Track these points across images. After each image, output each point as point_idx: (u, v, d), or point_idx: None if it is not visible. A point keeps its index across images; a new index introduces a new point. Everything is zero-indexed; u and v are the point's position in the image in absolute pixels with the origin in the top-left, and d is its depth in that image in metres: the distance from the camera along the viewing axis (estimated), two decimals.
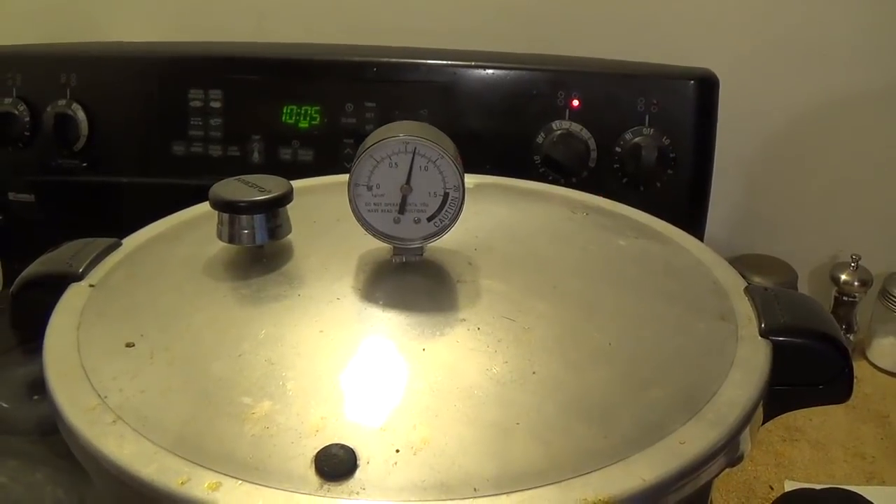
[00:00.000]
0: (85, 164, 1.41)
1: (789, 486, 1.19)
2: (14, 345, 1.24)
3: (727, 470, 0.63)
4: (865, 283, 1.48)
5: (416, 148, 0.74)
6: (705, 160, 1.34)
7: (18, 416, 1.13)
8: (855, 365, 1.39)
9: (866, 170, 1.55)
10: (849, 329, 1.51)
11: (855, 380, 1.36)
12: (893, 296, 1.45)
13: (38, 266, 0.82)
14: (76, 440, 0.60)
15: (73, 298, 0.77)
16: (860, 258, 1.48)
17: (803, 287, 1.60)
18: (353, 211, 0.76)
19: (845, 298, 1.50)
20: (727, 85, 1.34)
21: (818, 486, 1.15)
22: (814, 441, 1.29)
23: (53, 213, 1.46)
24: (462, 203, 0.76)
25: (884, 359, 1.49)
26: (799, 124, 1.54)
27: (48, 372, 0.67)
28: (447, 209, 0.76)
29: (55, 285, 0.78)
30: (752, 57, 1.50)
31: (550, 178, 1.32)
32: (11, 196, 1.46)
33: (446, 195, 0.75)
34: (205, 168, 1.39)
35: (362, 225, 0.77)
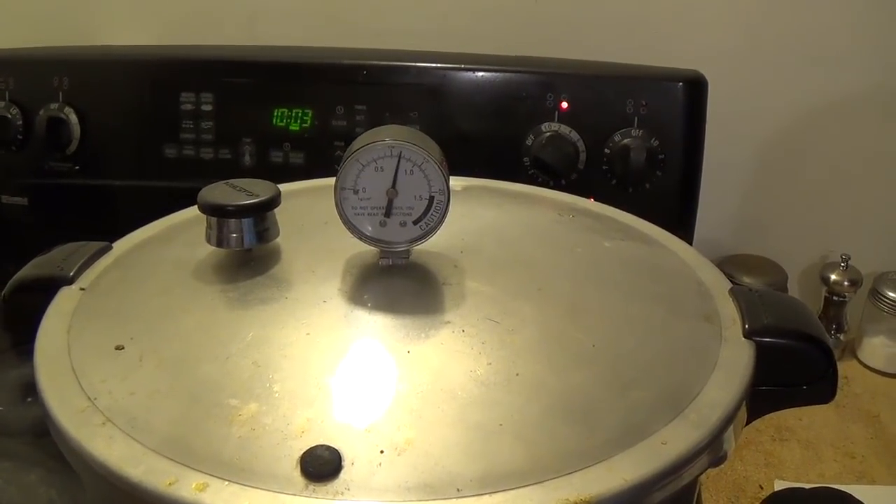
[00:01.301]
0: (77, 168, 1.42)
1: (779, 485, 1.20)
2: (8, 347, 1.24)
3: (711, 469, 0.63)
4: (855, 283, 1.49)
5: (401, 152, 0.74)
6: (694, 161, 1.35)
7: (12, 418, 1.14)
8: (845, 364, 1.41)
9: (856, 170, 1.55)
10: (839, 329, 1.52)
11: (845, 379, 1.37)
12: (883, 295, 1.46)
13: (29, 269, 0.82)
14: (66, 441, 0.61)
15: (63, 302, 0.77)
16: (850, 258, 1.49)
17: (793, 287, 1.61)
18: (340, 214, 0.77)
19: (835, 298, 1.51)
20: (716, 86, 1.34)
21: (808, 486, 1.16)
22: (804, 441, 1.30)
23: (46, 215, 1.46)
24: (447, 206, 0.76)
25: (874, 358, 1.49)
26: (788, 125, 1.54)
27: (39, 374, 0.67)
28: (433, 212, 0.76)
29: (46, 288, 0.79)
30: (741, 58, 1.51)
31: (540, 179, 1.32)
32: (4, 199, 1.46)
33: (432, 198, 0.76)
34: (196, 171, 1.39)
35: (349, 228, 0.77)
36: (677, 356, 0.70)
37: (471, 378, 0.65)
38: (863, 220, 1.58)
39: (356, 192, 0.76)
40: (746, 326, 0.73)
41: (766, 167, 1.58)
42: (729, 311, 0.76)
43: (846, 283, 1.48)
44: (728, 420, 0.63)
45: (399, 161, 0.75)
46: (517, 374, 0.65)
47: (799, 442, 1.29)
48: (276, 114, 1.37)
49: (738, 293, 0.79)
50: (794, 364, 0.72)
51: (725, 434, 0.63)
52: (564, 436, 0.60)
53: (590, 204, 1.00)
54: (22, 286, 0.80)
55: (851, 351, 1.53)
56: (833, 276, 1.49)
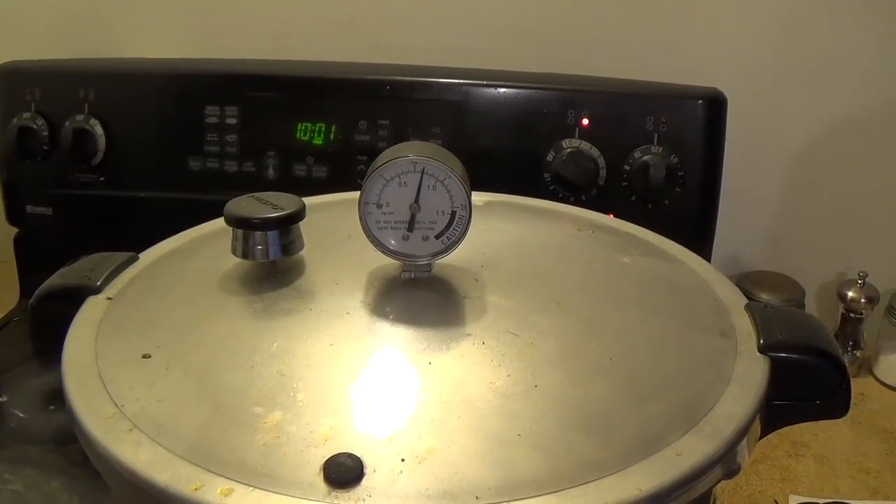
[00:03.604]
0: (102, 179, 1.43)
1: (794, 500, 1.19)
2: (31, 356, 1.25)
3: (726, 482, 0.64)
4: (872, 300, 1.49)
5: (424, 168, 0.75)
6: (713, 178, 1.35)
7: (35, 425, 1.15)
8: (861, 381, 1.42)
9: (873, 187, 1.55)
10: (856, 346, 1.52)
11: (861, 395, 1.38)
12: None
13: (56, 279, 0.83)
14: (94, 447, 0.62)
15: (91, 311, 0.78)
16: (867, 275, 1.49)
17: (811, 304, 1.61)
18: (364, 228, 0.78)
19: (852, 315, 1.51)
20: (736, 104, 1.35)
21: (822, 501, 1.16)
22: (819, 456, 1.30)
23: (71, 226, 1.48)
24: (469, 221, 0.77)
25: (890, 375, 1.49)
26: (807, 143, 1.54)
27: (67, 382, 0.68)
28: (454, 227, 0.77)
29: (74, 298, 0.80)
30: (760, 76, 1.51)
31: (560, 195, 1.33)
32: (30, 209, 1.48)
33: (454, 213, 0.77)
34: (220, 183, 1.40)
35: (372, 242, 0.78)
36: (693, 370, 0.71)
37: (490, 389, 0.66)
38: (880, 237, 1.58)
39: (380, 206, 0.77)
40: (761, 341, 0.73)
41: (784, 185, 1.58)
42: (744, 327, 0.77)
43: (863, 301, 1.48)
44: (742, 433, 0.64)
45: (422, 177, 0.75)
46: (536, 386, 0.66)
47: (814, 457, 1.29)
48: (299, 128, 1.38)
49: (754, 309, 0.79)
50: (807, 379, 0.72)
51: (739, 447, 0.63)
52: (581, 446, 0.61)
53: (608, 220, 1.01)
54: (49, 295, 0.81)
55: (868, 367, 1.53)
56: (850, 294, 1.49)
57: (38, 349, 1.14)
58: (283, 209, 0.81)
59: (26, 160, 1.43)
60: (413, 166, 0.75)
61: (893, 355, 1.48)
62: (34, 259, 1.55)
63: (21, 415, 1.17)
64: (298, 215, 0.83)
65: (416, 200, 0.76)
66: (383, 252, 0.79)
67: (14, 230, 1.54)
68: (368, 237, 0.78)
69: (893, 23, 1.45)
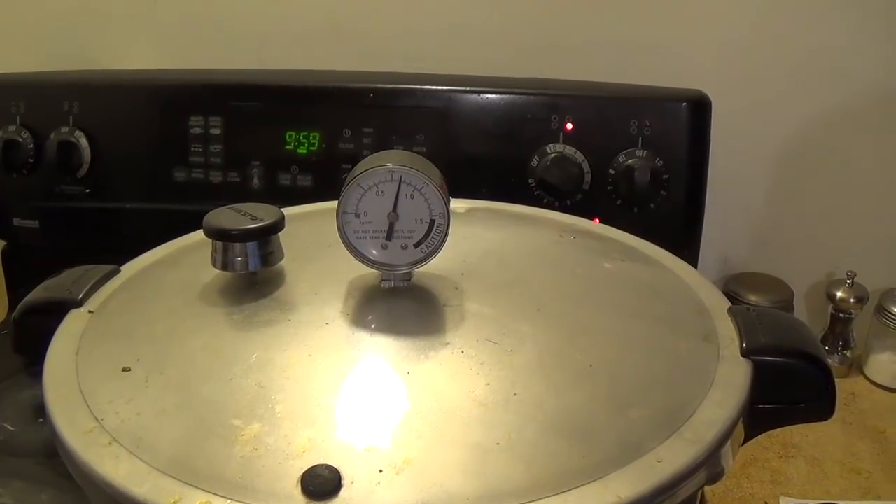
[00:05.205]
0: (88, 191, 1.43)
1: (784, 502, 1.19)
2: (20, 369, 1.25)
3: (711, 486, 0.64)
4: (861, 300, 1.49)
5: (402, 176, 0.75)
6: (699, 181, 1.35)
7: (24, 438, 1.14)
8: (852, 381, 1.42)
9: (861, 188, 1.55)
10: (846, 345, 1.52)
11: (852, 395, 1.38)
12: (889, 312, 1.46)
13: (39, 293, 0.83)
14: (73, 461, 0.62)
15: (72, 324, 0.78)
16: (856, 275, 1.48)
17: (800, 304, 1.61)
18: (342, 238, 0.78)
19: (841, 315, 1.51)
20: (721, 106, 1.35)
21: (814, 503, 1.16)
22: (810, 457, 1.29)
23: (57, 238, 1.47)
24: (447, 229, 0.77)
25: (880, 374, 1.49)
26: (793, 144, 1.54)
27: (47, 395, 0.68)
28: (433, 235, 0.77)
29: (56, 311, 0.80)
30: (745, 78, 1.51)
31: (545, 200, 1.33)
32: (16, 222, 1.47)
33: (432, 222, 0.77)
34: (206, 194, 1.40)
35: (351, 251, 0.78)
36: (675, 375, 0.71)
37: (469, 398, 0.66)
38: (868, 237, 1.58)
39: (358, 215, 0.77)
40: (744, 345, 0.73)
41: (771, 186, 1.58)
42: (727, 331, 0.77)
43: (852, 300, 1.48)
44: (724, 438, 0.64)
45: (400, 185, 0.76)
46: (515, 394, 0.66)
47: (805, 459, 1.29)
48: (284, 137, 1.38)
49: (737, 313, 0.79)
50: (792, 382, 0.72)
51: (722, 451, 0.63)
52: (561, 454, 0.61)
53: (591, 225, 1.01)
54: (32, 309, 0.81)
55: (858, 367, 1.53)
56: (839, 294, 1.49)
57: (27, 362, 1.14)
58: (261, 220, 0.81)
59: (12, 173, 1.43)
60: (390, 175, 0.75)
61: (883, 354, 1.48)
62: (22, 272, 1.54)
63: (10, 427, 1.17)
64: (277, 226, 0.83)
65: (395, 209, 0.77)
66: (362, 261, 0.79)
67: (1, 243, 1.54)
68: (347, 247, 0.78)
69: (877, 21, 1.45)
